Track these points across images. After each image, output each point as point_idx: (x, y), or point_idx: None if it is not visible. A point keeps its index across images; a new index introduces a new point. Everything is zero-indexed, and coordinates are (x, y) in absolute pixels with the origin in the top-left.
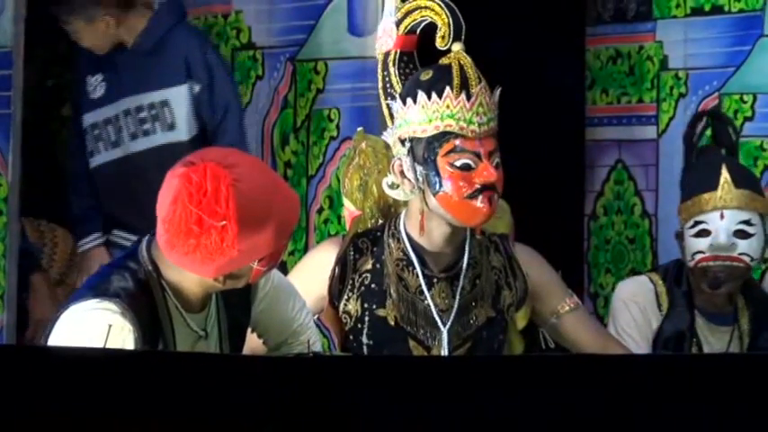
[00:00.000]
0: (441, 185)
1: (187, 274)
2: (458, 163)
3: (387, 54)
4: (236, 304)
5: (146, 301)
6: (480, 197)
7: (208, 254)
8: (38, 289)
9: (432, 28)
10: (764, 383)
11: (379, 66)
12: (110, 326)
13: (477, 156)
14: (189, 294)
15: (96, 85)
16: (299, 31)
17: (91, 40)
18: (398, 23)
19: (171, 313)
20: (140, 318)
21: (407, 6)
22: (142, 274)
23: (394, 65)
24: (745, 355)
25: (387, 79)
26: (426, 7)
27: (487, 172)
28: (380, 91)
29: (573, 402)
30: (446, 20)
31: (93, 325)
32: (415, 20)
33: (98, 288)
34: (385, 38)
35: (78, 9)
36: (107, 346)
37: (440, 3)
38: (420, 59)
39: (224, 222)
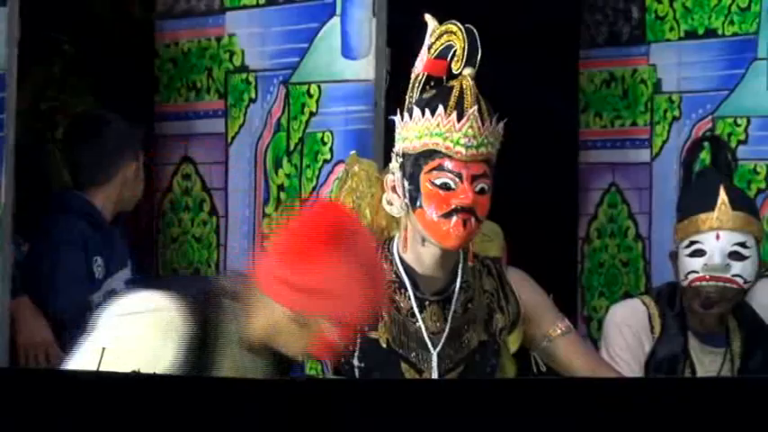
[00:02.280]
0: (419, 202)
1: None
2: (437, 181)
3: (416, 76)
4: None
5: None
6: (454, 218)
7: None
8: (22, 313)
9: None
10: (756, 407)
11: (408, 87)
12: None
13: (459, 177)
14: None
15: (100, 266)
16: (293, 55)
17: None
18: (429, 47)
19: None
20: None
21: (439, 30)
22: None
23: (418, 87)
24: (737, 378)
25: (409, 101)
26: (452, 32)
27: (464, 195)
28: (405, 112)
29: (566, 426)
30: (463, 44)
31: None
32: (442, 44)
33: None
34: (418, 60)
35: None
36: None
37: (461, 28)
38: None
39: None
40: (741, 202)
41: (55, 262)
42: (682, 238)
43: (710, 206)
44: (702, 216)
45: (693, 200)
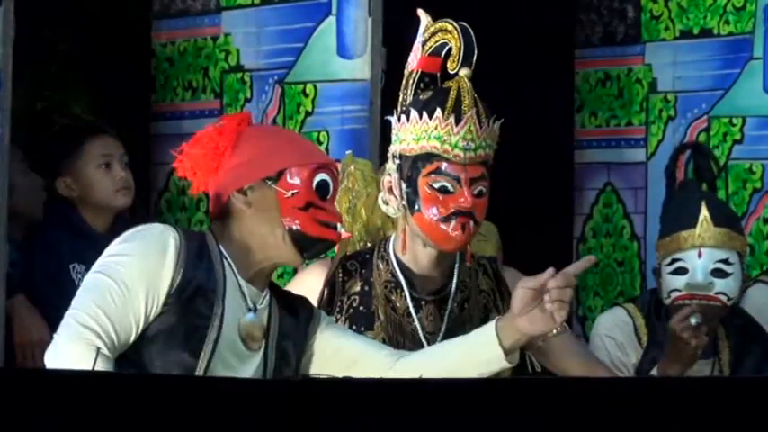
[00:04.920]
0: (418, 206)
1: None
2: (436, 185)
3: (410, 73)
4: (290, 333)
5: (198, 244)
6: (453, 222)
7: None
8: (18, 312)
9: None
10: (754, 407)
11: (402, 83)
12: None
13: (458, 180)
14: (242, 256)
15: (80, 273)
16: (288, 54)
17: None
18: (424, 44)
19: (225, 270)
20: (190, 247)
21: (433, 27)
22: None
23: (413, 84)
24: (736, 378)
25: (404, 98)
26: (446, 30)
27: (464, 198)
28: (398, 107)
29: (561, 426)
30: (458, 44)
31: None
32: (437, 41)
33: None
34: (412, 57)
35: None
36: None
37: (457, 27)
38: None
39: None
40: (723, 217)
41: (28, 268)
42: (664, 255)
43: (692, 223)
44: (684, 234)
45: (675, 216)
